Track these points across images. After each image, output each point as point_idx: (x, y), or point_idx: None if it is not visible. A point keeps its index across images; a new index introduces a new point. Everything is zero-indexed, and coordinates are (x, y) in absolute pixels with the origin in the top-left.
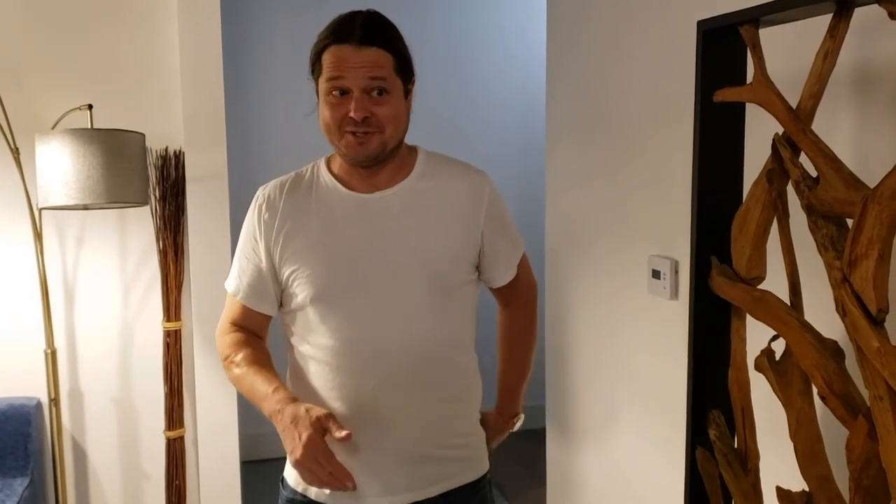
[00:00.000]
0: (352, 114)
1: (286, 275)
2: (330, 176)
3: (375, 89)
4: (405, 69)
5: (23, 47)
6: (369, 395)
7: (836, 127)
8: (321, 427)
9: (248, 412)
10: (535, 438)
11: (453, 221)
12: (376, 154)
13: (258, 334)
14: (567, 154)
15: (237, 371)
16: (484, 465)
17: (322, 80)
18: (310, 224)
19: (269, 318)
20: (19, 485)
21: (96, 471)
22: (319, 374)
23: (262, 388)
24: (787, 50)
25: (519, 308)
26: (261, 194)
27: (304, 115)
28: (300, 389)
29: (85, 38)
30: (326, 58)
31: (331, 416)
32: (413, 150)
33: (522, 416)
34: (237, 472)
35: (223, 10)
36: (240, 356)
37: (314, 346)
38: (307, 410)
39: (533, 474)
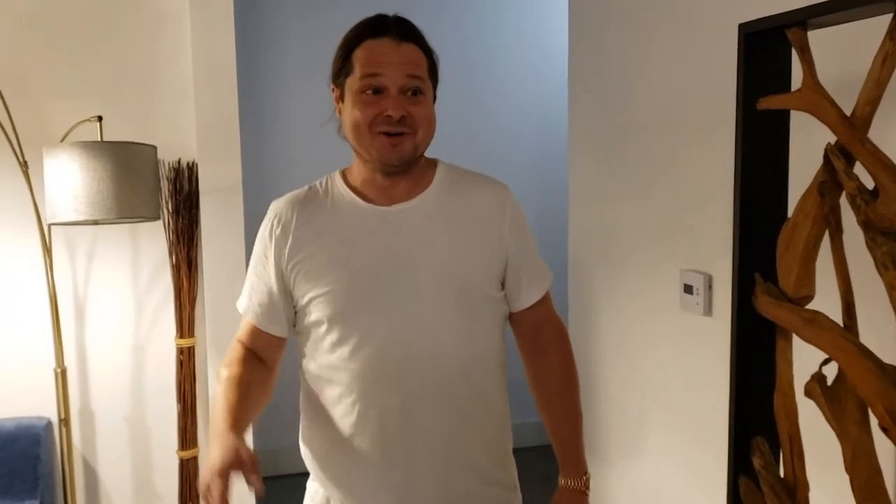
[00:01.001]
0: (389, 111)
1: (300, 295)
2: (346, 188)
3: (412, 89)
4: (435, 73)
5: (32, 59)
6: (393, 421)
7: (889, 135)
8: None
9: (264, 427)
10: None
11: (476, 234)
12: (409, 157)
13: (266, 358)
14: (591, 163)
15: (218, 388)
16: None
17: (353, 78)
18: (325, 240)
19: (281, 340)
20: None
21: (108, 492)
22: (336, 400)
23: (220, 420)
24: (831, 53)
25: (551, 354)
26: (273, 210)
27: (320, 123)
28: (315, 416)
29: (95, 49)
30: (360, 54)
31: (246, 463)
32: (432, 163)
33: (590, 473)
34: (253, 493)
35: (237, 17)
36: (226, 373)
37: (330, 370)
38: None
39: (553, 493)
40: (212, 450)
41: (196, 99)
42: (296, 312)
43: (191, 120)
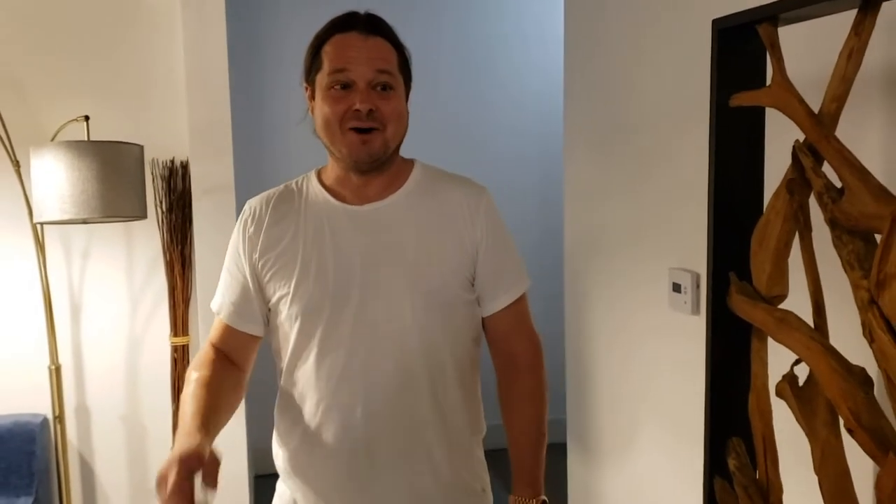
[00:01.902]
0: (357, 105)
1: (271, 293)
2: (320, 187)
3: (380, 84)
4: (406, 68)
5: (24, 57)
6: (356, 422)
7: (862, 133)
8: (190, 464)
9: (258, 426)
10: (553, 452)
11: (446, 235)
12: (379, 155)
13: (238, 359)
14: (585, 162)
15: (187, 390)
16: None
17: (322, 74)
18: (296, 239)
19: (255, 339)
20: None
21: (104, 489)
22: (302, 400)
23: (188, 421)
24: (808, 49)
25: (521, 367)
26: (247, 208)
27: (295, 123)
28: (284, 416)
29: (88, 48)
30: (329, 49)
31: (208, 460)
32: (409, 163)
33: (545, 499)
34: (247, 490)
35: (229, 15)
36: (196, 375)
37: (298, 370)
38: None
39: (551, 488)
40: (174, 447)
41: (188, 97)
42: (269, 310)
43: (183, 118)
